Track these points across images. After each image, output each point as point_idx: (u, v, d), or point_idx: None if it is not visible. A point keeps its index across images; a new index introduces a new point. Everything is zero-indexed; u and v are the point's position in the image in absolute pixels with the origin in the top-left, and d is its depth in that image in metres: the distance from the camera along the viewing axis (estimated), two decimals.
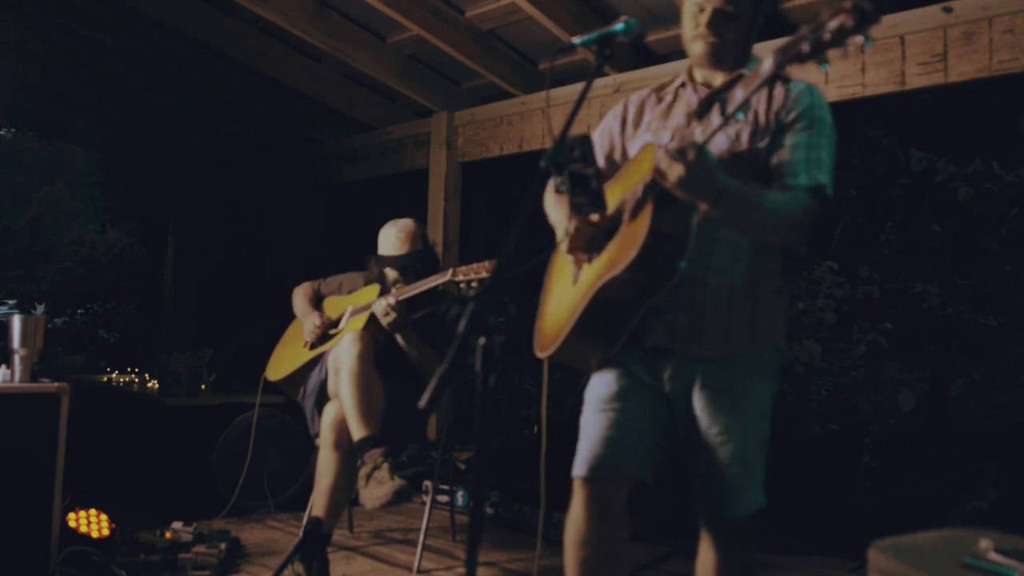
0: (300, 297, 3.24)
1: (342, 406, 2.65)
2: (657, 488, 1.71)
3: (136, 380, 5.05)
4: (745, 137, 1.65)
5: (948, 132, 4.95)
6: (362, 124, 5.11)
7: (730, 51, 1.69)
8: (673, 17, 1.78)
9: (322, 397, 2.83)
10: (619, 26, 1.55)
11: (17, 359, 2.56)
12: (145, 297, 8.50)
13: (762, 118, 1.66)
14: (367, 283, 3.12)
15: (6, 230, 13.37)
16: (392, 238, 3.00)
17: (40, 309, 9.86)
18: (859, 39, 1.21)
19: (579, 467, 1.67)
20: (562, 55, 3.67)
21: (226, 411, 4.01)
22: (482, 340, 1.15)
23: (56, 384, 2.53)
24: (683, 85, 1.80)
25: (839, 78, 3.12)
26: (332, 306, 3.18)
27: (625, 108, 1.88)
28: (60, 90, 5.31)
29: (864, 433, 4.70)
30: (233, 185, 6.40)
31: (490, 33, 3.97)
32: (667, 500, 3.35)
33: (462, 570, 2.84)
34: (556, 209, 1.85)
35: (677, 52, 3.69)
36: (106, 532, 2.76)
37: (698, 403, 1.67)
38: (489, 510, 3.62)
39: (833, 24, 1.23)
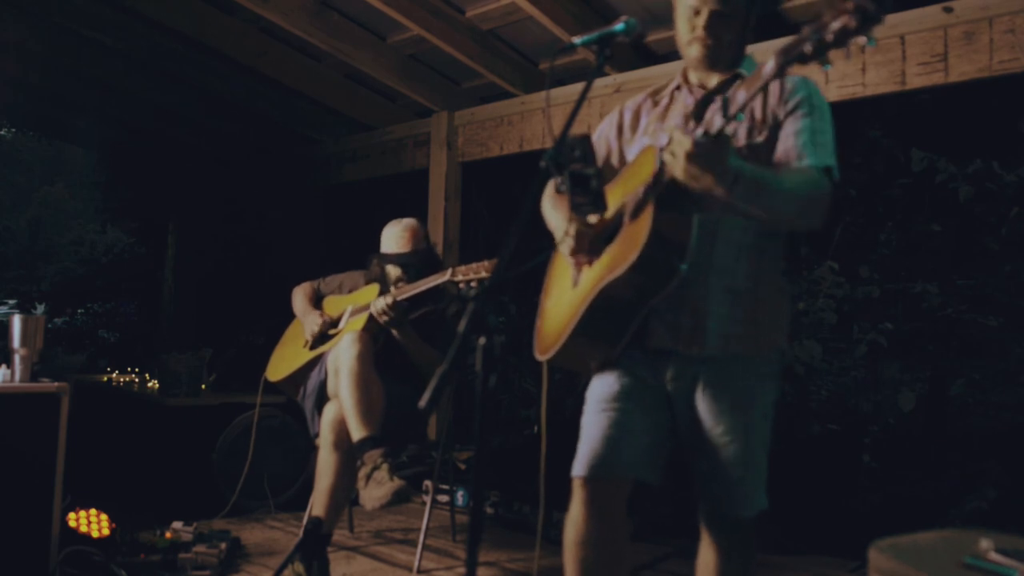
0: (300, 297, 3.24)
1: (342, 406, 2.65)
2: (657, 488, 1.71)
3: (136, 380, 5.05)
4: (742, 134, 1.65)
5: (948, 132, 4.95)
6: (362, 124, 5.11)
7: (726, 52, 1.69)
8: (673, 17, 1.77)
9: (322, 397, 2.83)
10: (619, 26, 1.55)
11: (17, 359, 2.56)
12: (145, 297, 8.50)
13: (758, 114, 1.66)
14: (367, 282, 3.12)
15: (6, 230, 13.38)
16: (396, 236, 3.01)
17: (40, 309, 9.86)
18: (862, 40, 1.21)
19: (579, 467, 1.67)
20: (562, 55, 3.66)
21: (226, 411, 4.01)
22: (482, 340, 1.15)
23: (56, 384, 2.53)
24: (678, 87, 1.80)
25: (839, 78, 3.12)
26: (332, 306, 3.18)
27: (621, 113, 1.88)
28: (60, 90, 5.31)
29: (864, 433, 4.69)
30: (233, 185, 6.39)
31: (490, 33, 3.97)
32: (667, 500, 3.35)
33: (462, 570, 2.85)
34: (553, 213, 1.85)
35: (677, 52, 3.67)
36: (106, 532, 2.76)
37: (701, 404, 1.66)
38: (489, 510, 3.62)
39: (836, 25, 1.22)
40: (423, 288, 2.81)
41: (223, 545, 2.84)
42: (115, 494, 3.17)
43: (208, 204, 6.69)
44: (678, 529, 3.29)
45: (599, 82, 3.32)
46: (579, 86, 3.69)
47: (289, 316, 3.31)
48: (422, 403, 1.11)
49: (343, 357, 2.67)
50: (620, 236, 1.61)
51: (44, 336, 2.65)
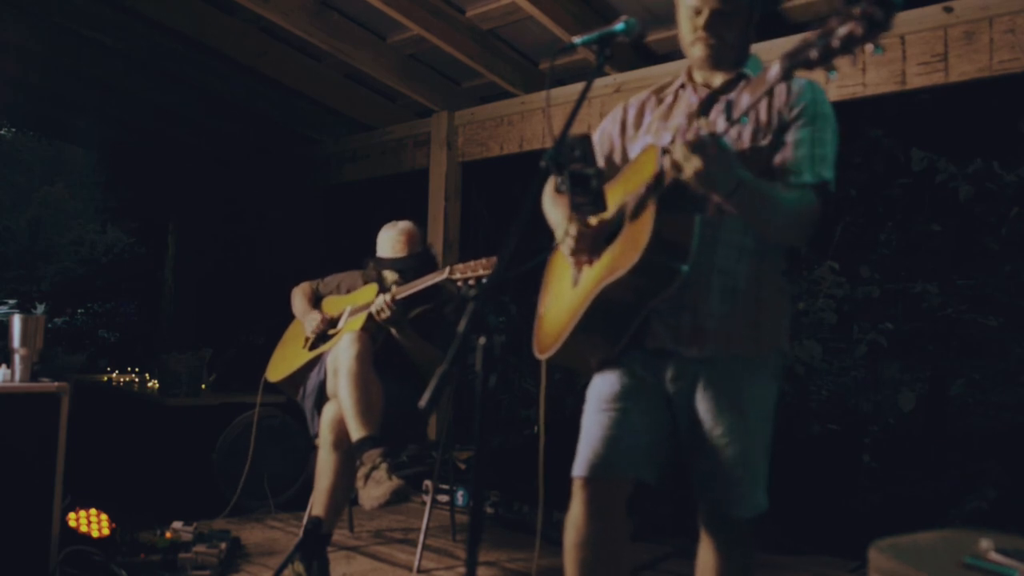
0: (299, 297, 3.24)
1: (341, 406, 2.65)
2: (657, 488, 1.71)
3: (136, 380, 5.05)
4: (747, 136, 1.64)
5: (948, 132, 4.95)
6: (362, 124, 5.11)
7: (729, 51, 1.68)
8: (673, 17, 1.77)
9: (321, 397, 2.83)
10: (619, 26, 1.54)
11: (17, 359, 2.56)
12: (145, 297, 8.50)
13: (763, 116, 1.65)
14: (366, 282, 3.12)
15: (6, 230, 13.38)
16: (392, 240, 2.99)
17: (40, 309, 9.86)
18: (869, 47, 1.19)
19: (579, 467, 1.66)
20: (562, 55, 3.66)
21: (226, 411, 4.01)
22: (482, 340, 1.15)
23: (56, 384, 2.53)
24: (683, 86, 1.79)
25: (840, 78, 3.12)
26: (331, 306, 3.18)
27: (624, 111, 1.87)
28: (60, 90, 5.31)
29: (864, 433, 4.69)
30: (233, 185, 6.39)
31: (490, 33, 3.97)
32: (667, 500, 3.35)
33: (462, 570, 2.85)
34: (554, 209, 1.84)
35: (677, 52, 3.68)
36: (106, 532, 2.76)
37: (701, 404, 1.66)
38: (489, 510, 3.62)
39: (842, 31, 1.21)
40: (421, 287, 2.81)
41: (223, 545, 2.84)
42: (115, 494, 3.17)
43: (208, 204, 6.68)
44: (678, 529, 3.29)
45: (599, 82, 3.32)
46: (579, 86, 3.69)
47: (289, 316, 3.31)
48: (422, 403, 1.11)
49: (342, 357, 2.67)
50: (621, 236, 1.60)
51: (44, 336, 2.65)
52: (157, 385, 4.49)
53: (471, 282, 2.64)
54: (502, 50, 4.08)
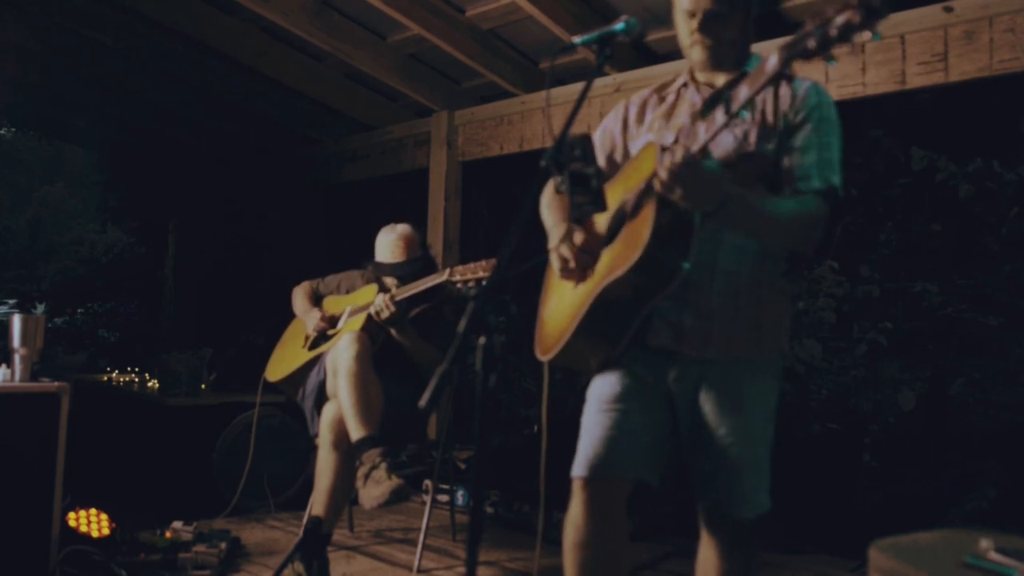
0: (300, 296, 3.24)
1: (340, 406, 2.65)
2: (657, 488, 1.71)
3: (136, 380, 5.06)
4: (753, 138, 1.63)
5: (948, 131, 4.95)
6: (362, 124, 5.11)
7: (729, 51, 1.67)
8: (673, 18, 1.76)
9: (321, 397, 2.83)
10: (619, 25, 1.54)
11: (17, 359, 2.56)
12: (145, 297, 8.50)
13: (770, 118, 1.63)
14: (366, 282, 3.12)
15: (6, 230, 13.39)
16: (391, 245, 2.99)
17: (40, 309, 9.87)
18: (866, 35, 1.19)
19: (579, 467, 1.66)
20: (562, 54, 3.67)
21: (226, 411, 4.01)
22: (482, 339, 1.15)
23: (56, 384, 2.53)
24: (685, 85, 1.78)
25: (840, 78, 3.11)
26: (331, 306, 3.18)
27: (626, 108, 1.86)
28: (60, 90, 5.31)
29: (864, 432, 4.69)
30: (233, 185, 6.39)
31: (490, 32, 3.97)
32: (667, 500, 3.34)
33: (462, 569, 2.84)
34: (550, 212, 1.84)
35: (678, 52, 3.66)
36: (106, 532, 2.76)
37: (704, 405, 1.66)
38: (489, 510, 3.62)
39: (840, 20, 1.21)
40: (421, 288, 2.81)
41: (223, 545, 2.84)
42: (115, 494, 3.17)
43: (208, 204, 6.69)
44: (678, 529, 3.29)
45: (599, 82, 3.32)
46: (579, 86, 3.69)
47: (289, 316, 3.31)
48: (422, 403, 1.11)
49: (341, 357, 2.67)
50: (621, 235, 1.60)
51: (44, 336, 2.65)
52: (157, 385, 4.49)
53: (471, 284, 2.64)
54: (502, 50, 4.08)
